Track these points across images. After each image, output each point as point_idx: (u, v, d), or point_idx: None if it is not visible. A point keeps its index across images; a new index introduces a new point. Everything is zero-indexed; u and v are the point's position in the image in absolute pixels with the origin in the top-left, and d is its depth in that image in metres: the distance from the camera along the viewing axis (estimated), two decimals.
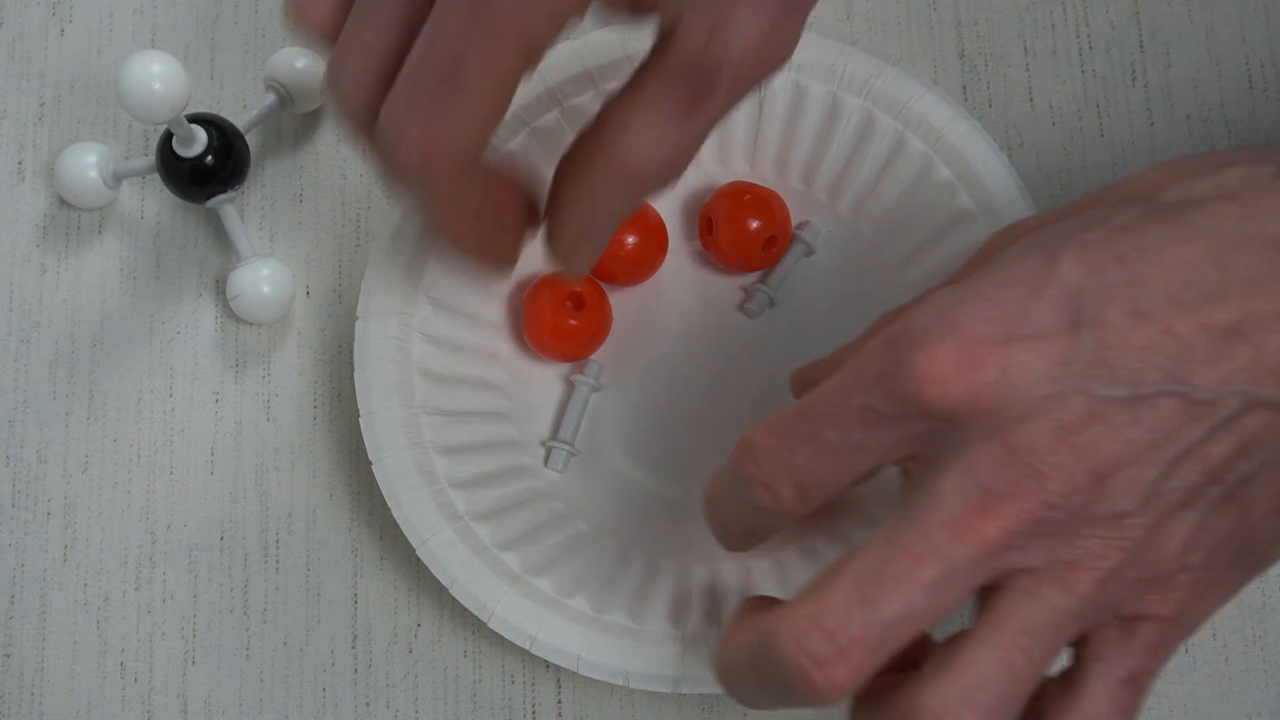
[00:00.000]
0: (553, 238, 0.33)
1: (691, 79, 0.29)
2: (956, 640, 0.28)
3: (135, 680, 0.42)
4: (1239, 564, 0.29)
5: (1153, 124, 0.45)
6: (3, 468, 0.43)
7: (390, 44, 0.29)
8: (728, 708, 0.41)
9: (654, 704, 0.41)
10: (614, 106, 0.31)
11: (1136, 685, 0.29)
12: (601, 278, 0.43)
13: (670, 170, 0.31)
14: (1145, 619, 0.29)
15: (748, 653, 0.29)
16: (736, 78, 0.29)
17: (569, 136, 0.41)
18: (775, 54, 0.29)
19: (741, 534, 0.33)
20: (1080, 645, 0.29)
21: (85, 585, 0.42)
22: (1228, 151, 0.30)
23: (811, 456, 0.29)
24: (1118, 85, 0.45)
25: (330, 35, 0.30)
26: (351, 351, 0.42)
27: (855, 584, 0.27)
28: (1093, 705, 0.29)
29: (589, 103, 0.41)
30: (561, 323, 0.41)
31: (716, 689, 0.37)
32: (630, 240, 0.42)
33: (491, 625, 0.38)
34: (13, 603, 0.42)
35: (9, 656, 0.42)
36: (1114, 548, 0.27)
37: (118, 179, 0.44)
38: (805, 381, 0.38)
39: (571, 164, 0.32)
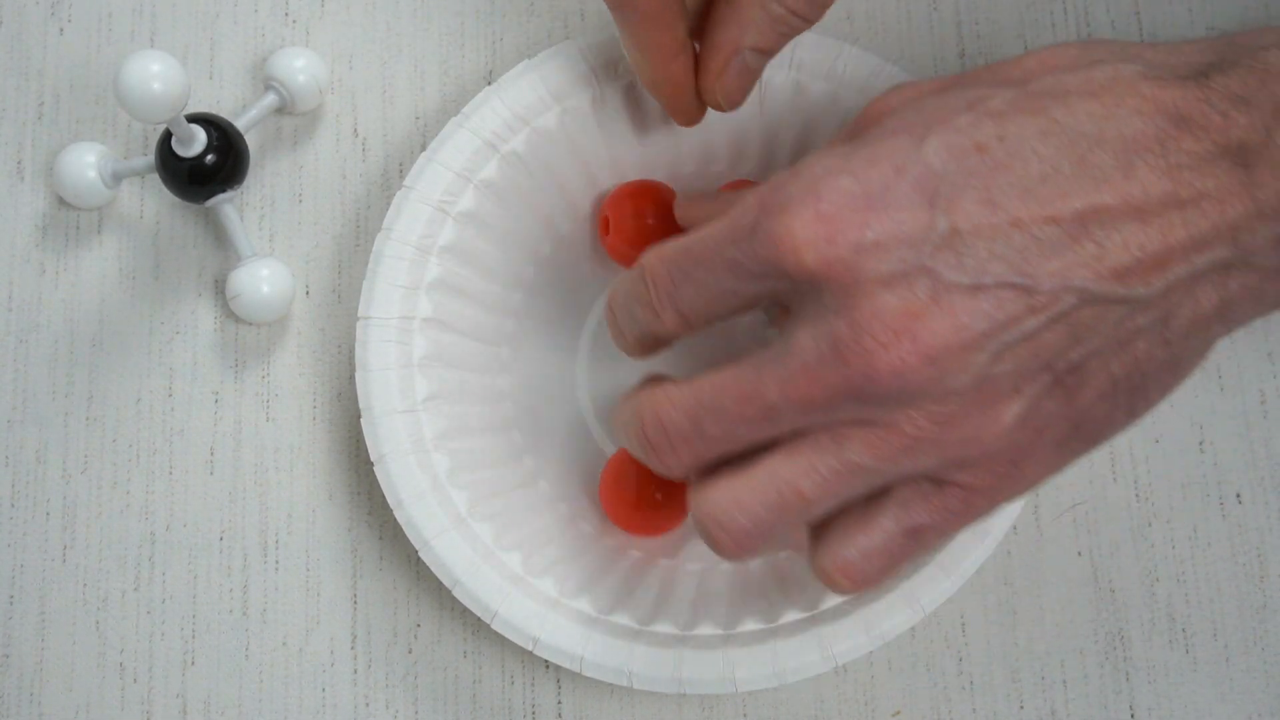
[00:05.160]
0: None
1: None
2: (759, 455, 0.31)
3: (134, 681, 0.42)
4: (1068, 443, 0.30)
5: None
6: (2, 468, 0.43)
7: None
8: (727, 708, 0.41)
9: (653, 704, 0.41)
10: None
11: (920, 537, 0.31)
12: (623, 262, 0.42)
13: None
14: (954, 485, 0.30)
15: (620, 422, 0.33)
16: None
17: (569, 136, 0.42)
18: None
19: (636, 341, 0.35)
20: (890, 487, 0.31)
21: (84, 585, 0.42)
22: (1104, 44, 0.31)
23: (691, 291, 0.32)
24: None
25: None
26: (351, 351, 0.42)
27: (694, 403, 0.31)
28: (868, 538, 0.31)
29: (589, 103, 0.41)
30: (648, 496, 0.40)
31: (719, 689, 0.37)
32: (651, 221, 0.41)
33: (494, 626, 0.38)
34: (12, 603, 0.42)
35: (8, 657, 0.42)
36: (930, 421, 0.29)
37: (117, 179, 0.44)
38: (689, 216, 0.40)
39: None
